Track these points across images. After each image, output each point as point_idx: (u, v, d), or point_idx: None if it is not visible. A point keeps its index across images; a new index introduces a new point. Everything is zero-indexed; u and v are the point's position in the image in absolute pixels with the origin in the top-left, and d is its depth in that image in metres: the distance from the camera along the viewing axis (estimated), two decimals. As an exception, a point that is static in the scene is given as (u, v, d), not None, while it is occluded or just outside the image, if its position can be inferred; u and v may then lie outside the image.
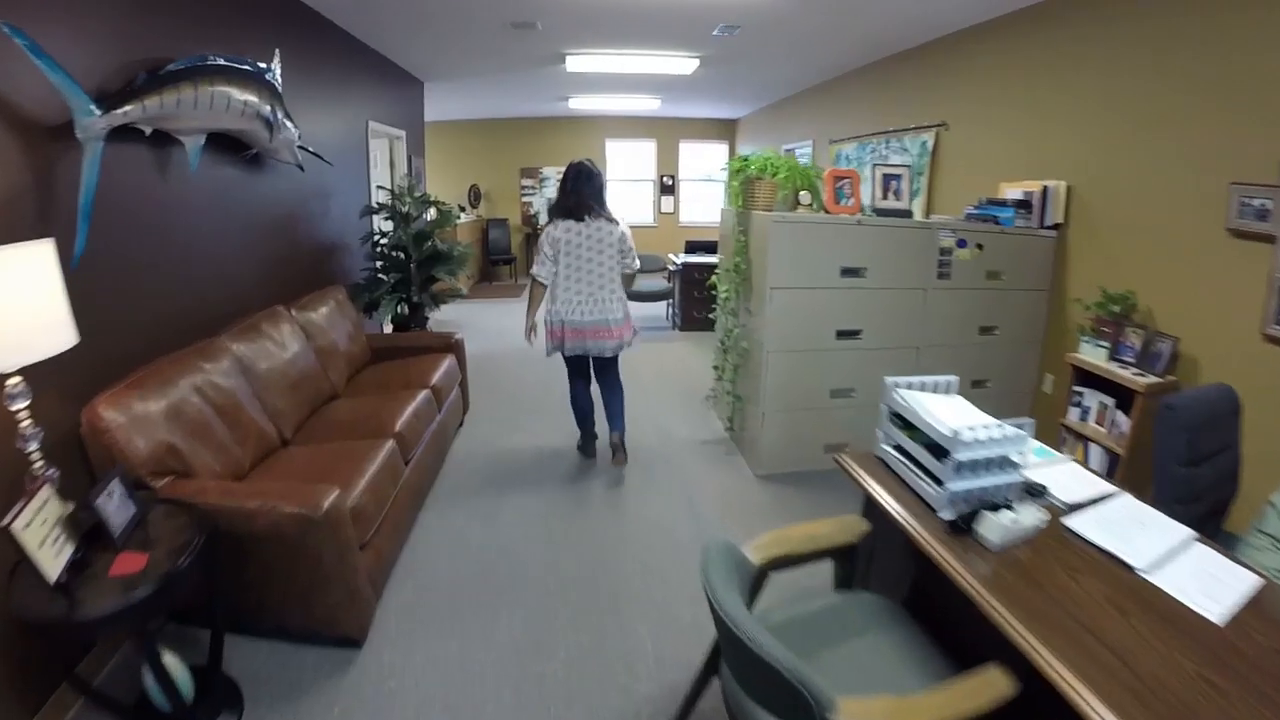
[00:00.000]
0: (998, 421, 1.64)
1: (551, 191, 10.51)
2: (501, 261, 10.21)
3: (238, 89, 2.81)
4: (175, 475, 2.07)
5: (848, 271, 3.34)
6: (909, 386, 1.87)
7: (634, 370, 5.31)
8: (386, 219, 4.57)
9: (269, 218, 3.63)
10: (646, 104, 8.73)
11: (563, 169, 3.27)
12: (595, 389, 3.52)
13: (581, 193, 3.15)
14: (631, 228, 3.31)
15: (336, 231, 4.52)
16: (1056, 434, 3.32)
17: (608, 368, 3.41)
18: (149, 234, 2.54)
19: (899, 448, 1.82)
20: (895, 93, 5.49)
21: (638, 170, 10.93)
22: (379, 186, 5.11)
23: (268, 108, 3.08)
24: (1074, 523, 1.57)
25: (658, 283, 7.49)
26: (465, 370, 4.09)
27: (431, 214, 4.81)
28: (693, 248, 7.22)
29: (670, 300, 7.30)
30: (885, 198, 3.69)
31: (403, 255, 4.54)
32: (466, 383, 4.12)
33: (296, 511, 1.92)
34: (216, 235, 3.07)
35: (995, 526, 1.48)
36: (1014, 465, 1.61)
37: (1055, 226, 3.61)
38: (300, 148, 3.55)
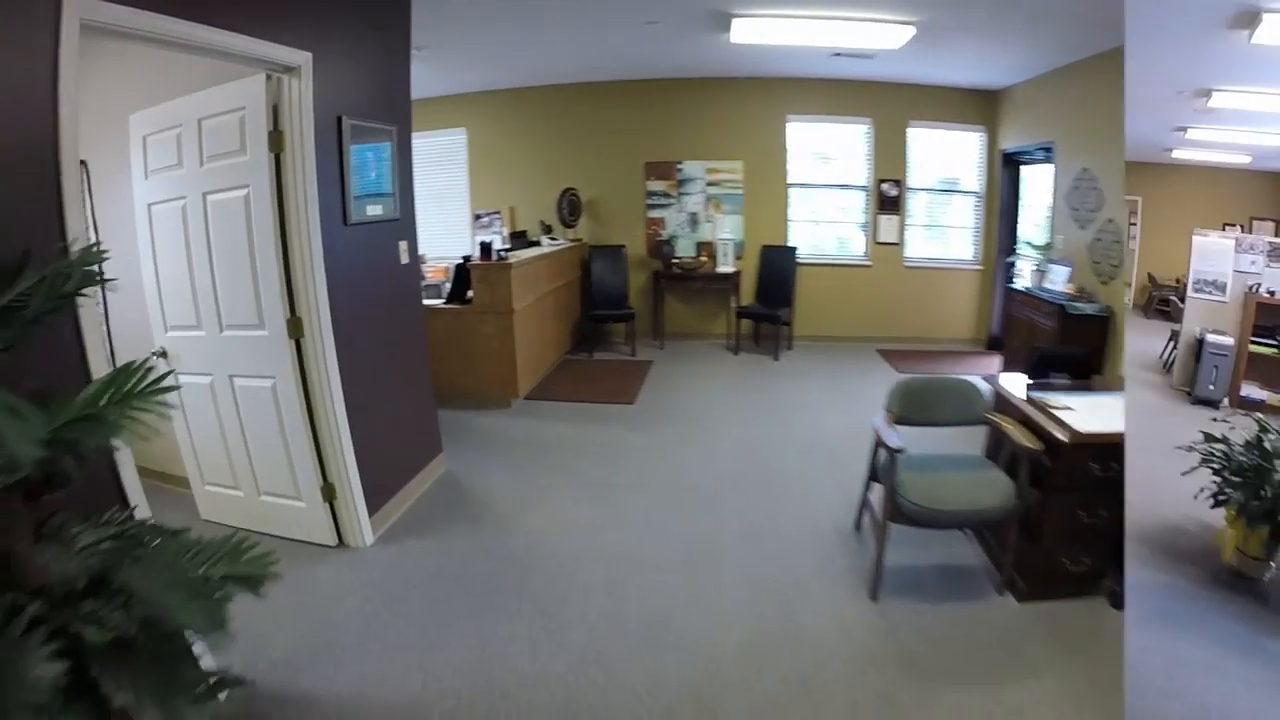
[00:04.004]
0: None
1: (697, 201, 6.60)
2: (611, 318, 6.35)
3: None
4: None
5: None
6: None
7: None
8: None
9: None
10: (884, 37, 4.42)
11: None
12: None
13: None
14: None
15: None
16: None
17: None
18: None
19: None
20: None
21: (840, 170, 6.63)
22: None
23: None
24: None
25: (977, 494, 2.35)
26: None
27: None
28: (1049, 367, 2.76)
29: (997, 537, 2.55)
30: None
31: None
32: None
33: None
34: None
35: None
36: None
37: None
38: None
